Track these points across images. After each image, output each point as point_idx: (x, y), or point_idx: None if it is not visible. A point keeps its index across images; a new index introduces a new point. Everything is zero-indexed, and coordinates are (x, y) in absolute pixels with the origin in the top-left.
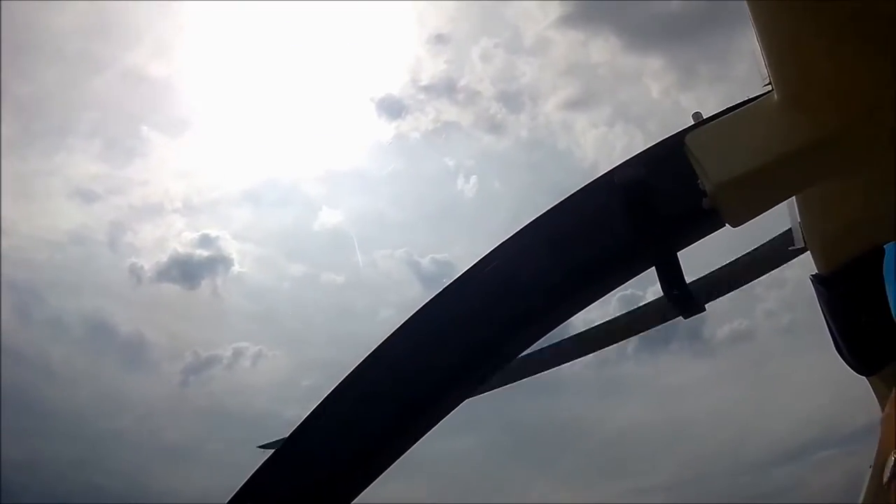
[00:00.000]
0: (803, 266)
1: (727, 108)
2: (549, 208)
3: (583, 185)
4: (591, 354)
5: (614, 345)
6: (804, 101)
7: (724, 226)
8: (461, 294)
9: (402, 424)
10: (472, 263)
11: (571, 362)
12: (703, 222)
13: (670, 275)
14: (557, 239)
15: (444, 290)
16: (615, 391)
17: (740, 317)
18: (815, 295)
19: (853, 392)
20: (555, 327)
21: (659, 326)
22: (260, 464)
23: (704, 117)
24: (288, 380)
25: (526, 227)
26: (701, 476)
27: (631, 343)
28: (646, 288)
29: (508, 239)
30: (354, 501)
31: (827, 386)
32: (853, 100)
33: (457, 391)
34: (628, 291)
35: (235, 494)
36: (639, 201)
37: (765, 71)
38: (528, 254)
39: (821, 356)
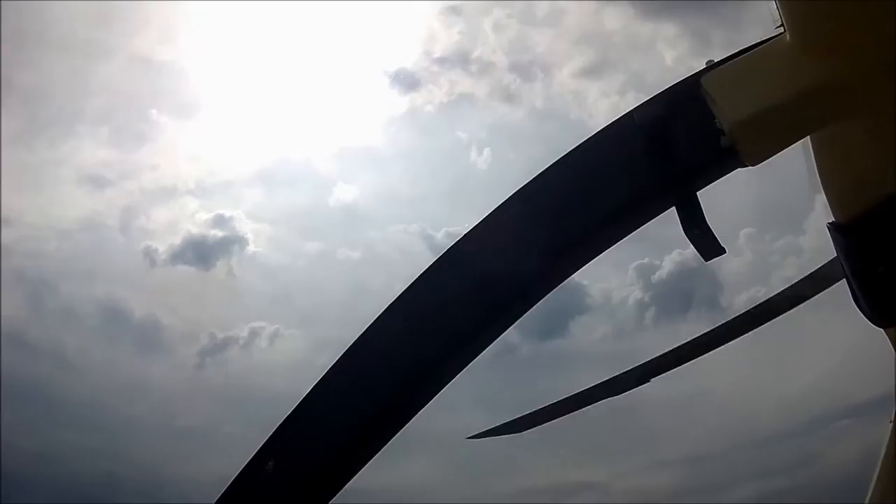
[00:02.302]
0: (820, 235)
1: (740, 51)
2: (571, 149)
3: (603, 127)
4: (608, 327)
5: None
6: (815, 43)
7: (743, 165)
8: (485, 234)
9: (431, 368)
10: (495, 207)
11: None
12: (722, 160)
13: (691, 214)
14: (580, 179)
15: (469, 232)
16: (633, 362)
17: (757, 284)
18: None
19: (870, 360)
20: (578, 269)
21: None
22: (272, 432)
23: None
24: (305, 359)
25: (549, 167)
26: (718, 448)
27: (649, 313)
28: (662, 257)
29: (532, 180)
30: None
31: (844, 355)
32: (863, 41)
33: (487, 331)
34: (645, 260)
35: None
36: (658, 141)
37: (777, 14)
38: (551, 194)
39: (838, 324)
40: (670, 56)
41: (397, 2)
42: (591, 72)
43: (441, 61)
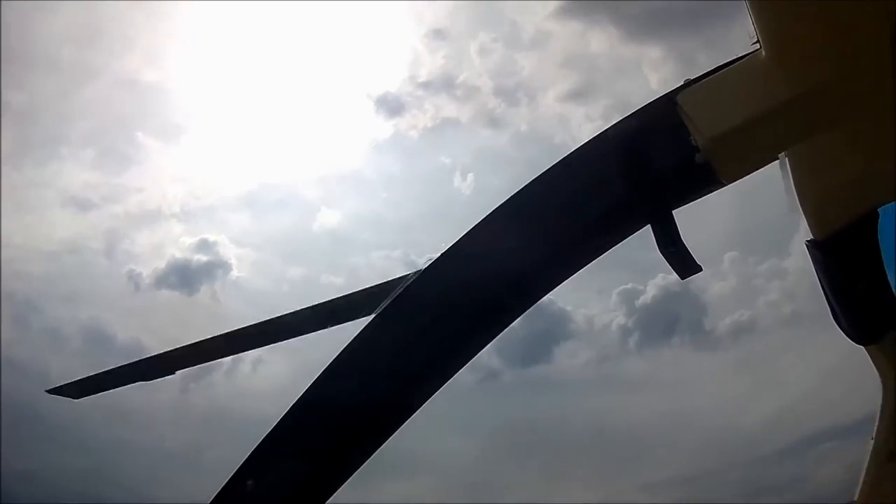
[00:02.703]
0: (805, 258)
1: (716, 68)
2: (545, 169)
3: (578, 146)
4: (592, 353)
5: None
6: (789, 57)
7: (719, 183)
8: (457, 261)
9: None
10: (469, 228)
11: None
12: (697, 178)
13: (666, 231)
14: (555, 199)
15: (440, 256)
16: (618, 387)
17: (742, 308)
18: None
19: (854, 382)
20: (555, 287)
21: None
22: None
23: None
24: (289, 384)
25: (526, 186)
26: (707, 470)
27: (633, 338)
28: (646, 282)
29: (508, 199)
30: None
31: (827, 377)
32: (836, 54)
33: (457, 357)
34: (629, 285)
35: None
36: (632, 159)
37: (752, 29)
38: (528, 212)
39: (821, 347)
40: (655, 79)
41: (383, 26)
42: (577, 95)
43: (426, 85)
